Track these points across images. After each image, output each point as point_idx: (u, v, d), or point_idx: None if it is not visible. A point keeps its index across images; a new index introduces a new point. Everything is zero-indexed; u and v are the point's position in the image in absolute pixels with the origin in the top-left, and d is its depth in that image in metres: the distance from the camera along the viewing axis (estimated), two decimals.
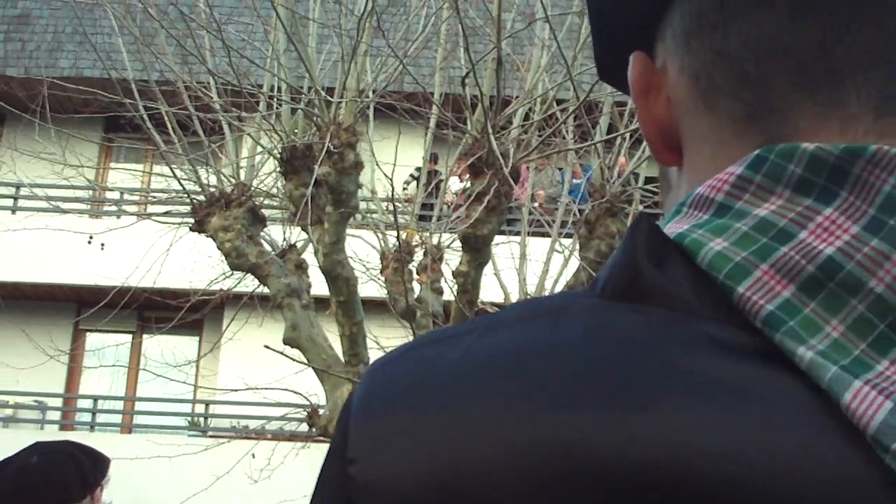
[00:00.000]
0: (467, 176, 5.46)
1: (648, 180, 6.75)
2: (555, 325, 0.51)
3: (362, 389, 0.53)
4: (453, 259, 5.92)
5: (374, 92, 5.99)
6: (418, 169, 8.09)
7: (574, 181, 7.64)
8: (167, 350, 9.06)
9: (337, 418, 0.54)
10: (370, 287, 6.55)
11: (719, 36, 0.57)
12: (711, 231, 0.52)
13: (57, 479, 2.58)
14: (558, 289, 5.89)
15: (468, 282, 5.30)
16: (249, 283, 6.41)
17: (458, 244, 5.55)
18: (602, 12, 0.66)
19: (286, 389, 6.09)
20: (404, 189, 11.18)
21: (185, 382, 8.72)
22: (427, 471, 0.47)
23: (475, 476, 0.46)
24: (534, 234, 7.10)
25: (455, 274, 5.39)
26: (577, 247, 5.73)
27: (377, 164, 6.29)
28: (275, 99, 6.14)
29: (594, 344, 0.49)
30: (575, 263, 5.65)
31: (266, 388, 6.42)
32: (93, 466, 2.66)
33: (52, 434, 11.92)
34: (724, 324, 0.49)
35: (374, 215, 6.90)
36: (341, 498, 0.50)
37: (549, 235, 6.64)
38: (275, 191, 6.71)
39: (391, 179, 5.54)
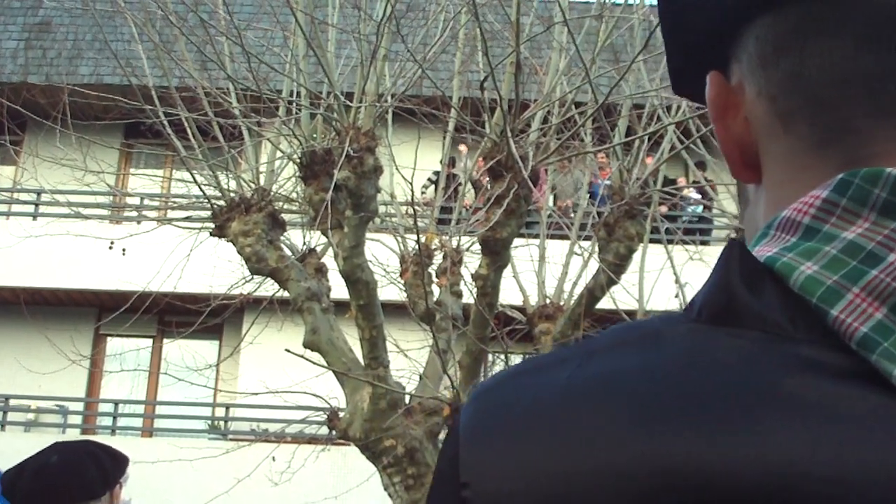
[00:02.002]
0: (486, 179, 5.46)
1: (667, 182, 6.74)
2: (652, 350, 0.53)
3: (467, 416, 0.55)
4: (472, 262, 5.92)
5: (392, 96, 6.00)
6: (436, 173, 8.10)
7: (600, 181, 7.63)
8: (187, 354, 9.10)
9: (442, 445, 0.57)
10: (390, 290, 6.56)
11: (795, 61, 0.58)
12: (801, 254, 0.53)
13: (76, 478, 2.61)
14: (577, 291, 5.88)
15: (487, 285, 5.30)
16: (269, 288, 6.43)
17: (477, 247, 5.55)
18: (676, 31, 0.67)
19: (306, 393, 6.10)
20: (423, 193, 11.19)
21: (205, 386, 8.74)
22: (536, 492, 0.50)
23: (581, 494, 0.49)
24: (553, 236, 7.10)
25: (474, 277, 5.39)
26: (597, 249, 5.72)
27: (396, 168, 6.30)
28: (294, 104, 6.15)
29: (692, 367, 0.51)
30: (594, 266, 5.64)
31: (286, 392, 6.44)
32: (113, 465, 2.69)
33: (73, 438, 11.98)
34: (819, 346, 0.51)
35: (394, 219, 6.91)
36: None
37: (568, 238, 6.64)
38: (294, 195, 6.72)
39: (410, 183, 5.54)
